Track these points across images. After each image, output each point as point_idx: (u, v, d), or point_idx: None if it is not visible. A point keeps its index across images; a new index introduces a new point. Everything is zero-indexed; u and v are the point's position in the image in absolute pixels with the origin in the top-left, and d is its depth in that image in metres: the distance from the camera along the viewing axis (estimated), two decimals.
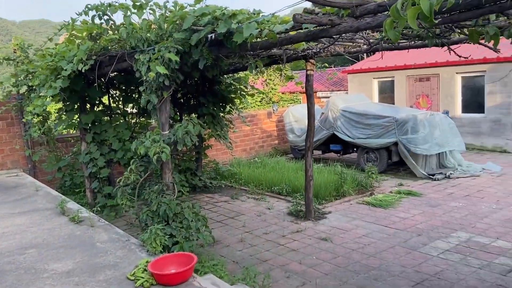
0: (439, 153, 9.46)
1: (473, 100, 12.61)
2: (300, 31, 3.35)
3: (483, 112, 12.30)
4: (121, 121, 7.92)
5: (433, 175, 9.18)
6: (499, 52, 3.93)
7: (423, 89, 13.66)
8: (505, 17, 2.85)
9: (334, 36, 3.22)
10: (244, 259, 5.36)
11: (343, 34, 3.48)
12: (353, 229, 6.27)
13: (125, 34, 4.79)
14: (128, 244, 4.31)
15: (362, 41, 4.37)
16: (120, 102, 8.13)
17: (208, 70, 5.74)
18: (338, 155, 11.29)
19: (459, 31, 3.43)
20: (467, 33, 3.42)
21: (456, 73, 12.78)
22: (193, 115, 8.80)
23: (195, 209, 5.16)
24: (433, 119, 9.47)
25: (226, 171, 9.88)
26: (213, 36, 3.95)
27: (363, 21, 2.73)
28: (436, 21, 2.31)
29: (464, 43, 4.31)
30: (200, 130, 5.05)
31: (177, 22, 4.37)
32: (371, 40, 4.18)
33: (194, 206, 5.21)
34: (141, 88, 4.96)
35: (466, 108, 12.82)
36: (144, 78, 4.73)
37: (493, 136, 12.05)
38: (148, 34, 4.80)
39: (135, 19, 4.94)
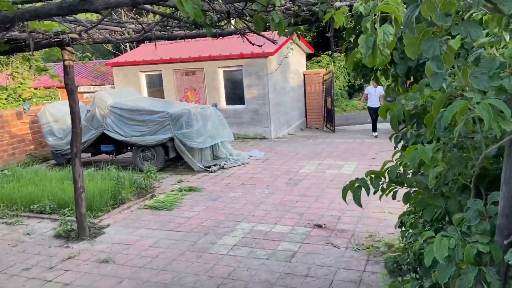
0: (212, 145, 9.71)
1: (235, 92, 13.61)
2: (50, 1, 2.41)
3: (243, 103, 13.41)
4: None
5: (209, 167, 9.35)
6: (277, 43, 3.96)
7: (191, 83, 13.90)
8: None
9: (101, 12, 2.44)
10: None
11: (115, 11, 2.72)
12: (137, 241, 5.57)
13: None
14: None
15: (133, 26, 3.69)
16: None
17: None
18: (111, 156, 10.25)
19: (247, 18, 3.20)
20: (250, 21, 3.22)
21: (218, 67, 13.49)
22: None
23: None
24: (205, 112, 9.63)
25: None
26: None
27: None
28: None
29: (239, 34, 4.19)
30: None
31: None
32: (144, 26, 3.54)
33: None
34: None
35: (230, 100, 13.73)
36: None
37: (253, 125, 13.31)
38: None
39: None
